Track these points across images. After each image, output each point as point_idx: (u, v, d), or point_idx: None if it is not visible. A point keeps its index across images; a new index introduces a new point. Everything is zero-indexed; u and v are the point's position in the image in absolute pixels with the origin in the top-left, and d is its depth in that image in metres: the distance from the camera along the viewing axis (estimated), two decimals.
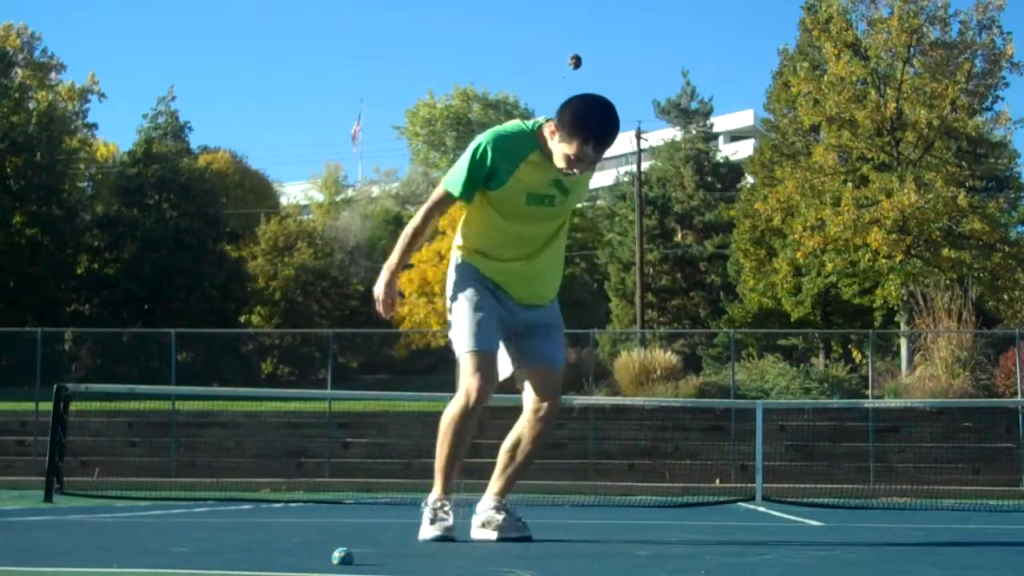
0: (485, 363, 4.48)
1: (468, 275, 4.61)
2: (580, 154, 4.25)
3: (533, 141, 4.40)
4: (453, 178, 4.51)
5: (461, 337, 4.53)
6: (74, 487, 12.54)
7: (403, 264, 4.70)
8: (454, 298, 4.62)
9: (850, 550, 4.53)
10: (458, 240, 4.70)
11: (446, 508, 4.55)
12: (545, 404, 4.64)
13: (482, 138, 4.45)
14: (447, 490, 4.60)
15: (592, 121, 4.24)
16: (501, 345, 4.63)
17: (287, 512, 8.70)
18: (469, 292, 4.57)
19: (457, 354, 4.56)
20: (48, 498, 10.62)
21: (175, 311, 33.59)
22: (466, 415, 4.52)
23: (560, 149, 4.30)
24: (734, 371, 21.60)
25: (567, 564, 3.75)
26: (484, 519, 4.67)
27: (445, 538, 4.48)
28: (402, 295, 33.89)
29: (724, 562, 3.85)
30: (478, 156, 4.40)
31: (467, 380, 4.48)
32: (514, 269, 4.58)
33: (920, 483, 16.39)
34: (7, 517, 7.39)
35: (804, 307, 27.88)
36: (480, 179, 4.44)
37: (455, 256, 4.71)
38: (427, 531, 4.53)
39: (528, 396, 4.68)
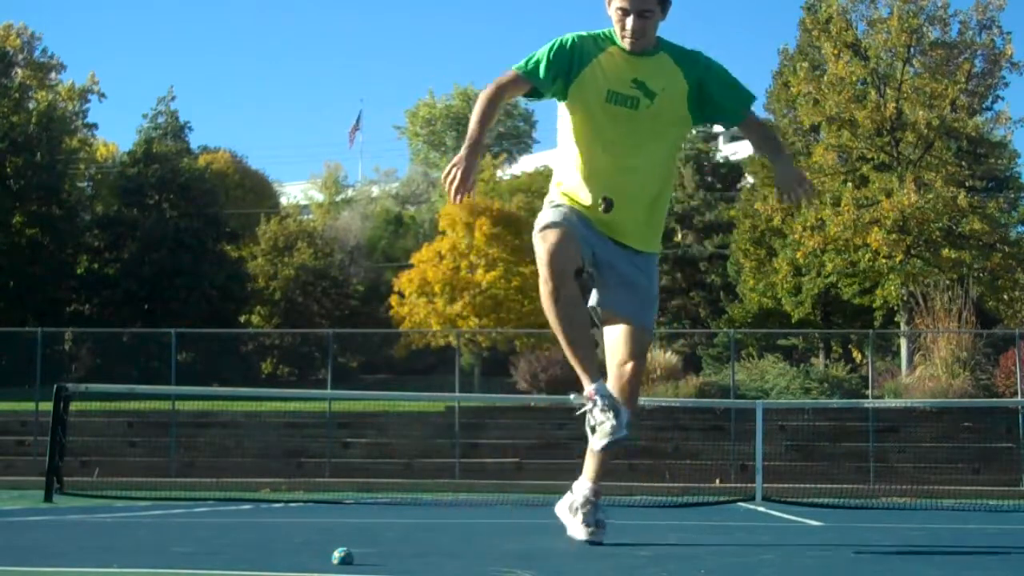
0: (559, 230, 4.20)
1: (558, 207, 4.38)
2: (623, 2, 4.21)
3: (611, 38, 4.35)
4: (525, 59, 4.35)
5: (538, 223, 4.29)
6: (74, 487, 12.54)
7: (483, 141, 4.26)
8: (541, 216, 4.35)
9: (850, 550, 4.53)
10: (553, 191, 4.47)
11: (605, 401, 4.17)
12: (628, 365, 4.41)
13: (565, 35, 4.38)
14: (594, 376, 4.22)
15: None
16: (593, 271, 4.42)
17: (287, 512, 8.70)
18: (556, 206, 4.36)
19: (535, 241, 4.27)
20: (48, 498, 10.62)
21: (175, 311, 33.56)
22: (554, 286, 4.18)
23: (612, 13, 4.27)
24: (734, 371, 21.58)
25: (567, 564, 3.75)
26: (570, 503, 4.46)
27: (617, 433, 4.14)
28: (402, 295, 33.91)
29: (724, 562, 3.85)
30: (558, 42, 4.34)
31: (539, 248, 4.21)
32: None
33: (920, 483, 16.38)
34: (7, 517, 7.39)
35: (804, 307, 27.85)
36: (558, 64, 4.29)
37: (549, 201, 4.47)
38: (600, 429, 4.17)
39: (610, 354, 4.44)
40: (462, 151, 4.20)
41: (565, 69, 4.31)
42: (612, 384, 4.39)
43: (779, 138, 4.48)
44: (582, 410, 4.24)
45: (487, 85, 4.38)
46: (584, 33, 4.39)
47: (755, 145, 4.55)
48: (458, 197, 4.15)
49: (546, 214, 4.35)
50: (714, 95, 4.43)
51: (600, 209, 4.34)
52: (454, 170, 4.14)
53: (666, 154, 4.46)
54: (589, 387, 4.23)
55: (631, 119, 4.29)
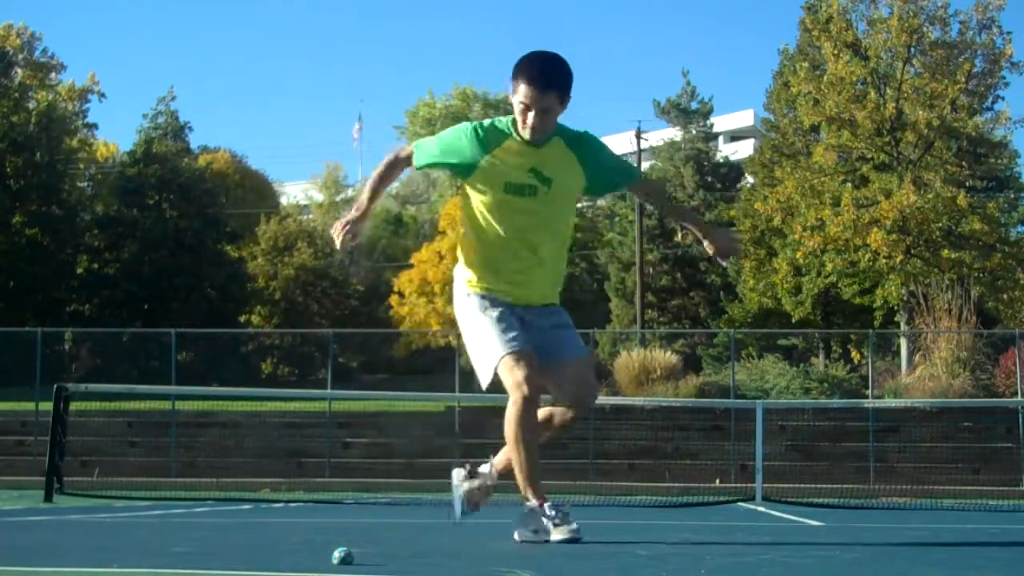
0: (524, 358, 4.42)
1: (479, 304, 4.60)
2: (525, 99, 4.39)
3: (510, 130, 4.54)
4: (423, 144, 4.73)
5: (491, 349, 4.48)
6: (74, 487, 12.52)
7: (371, 210, 4.75)
8: (470, 325, 4.60)
9: (850, 550, 4.53)
10: (462, 272, 4.70)
11: (560, 510, 4.43)
12: (580, 401, 4.64)
13: (464, 124, 4.63)
14: (541, 495, 4.46)
15: (528, 62, 4.45)
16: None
17: (287, 512, 8.70)
18: (484, 313, 4.56)
19: (491, 368, 4.46)
20: (48, 498, 10.61)
21: (175, 311, 33.57)
22: (524, 411, 4.39)
23: (515, 104, 4.46)
24: (734, 371, 21.58)
25: (567, 564, 3.75)
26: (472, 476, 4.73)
27: (575, 539, 4.36)
28: (402, 295, 33.99)
29: (724, 562, 3.85)
30: (455, 134, 4.61)
31: (512, 377, 4.40)
32: (521, 279, 4.60)
33: (920, 483, 16.38)
34: (7, 517, 7.39)
35: (804, 307, 27.85)
36: (453, 154, 4.58)
37: (462, 289, 4.68)
38: (557, 534, 4.38)
39: (561, 393, 4.63)
40: (352, 214, 4.63)
41: (462, 161, 4.57)
42: (559, 412, 4.67)
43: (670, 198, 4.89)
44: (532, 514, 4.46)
45: (386, 155, 4.71)
46: (485, 123, 4.61)
47: (660, 210, 4.91)
48: (344, 246, 4.73)
49: (489, 333, 4.53)
50: (603, 174, 4.72)
51: None
52: (342, 232, 4.67)
53: (564, 226, 4.74)
54: (535, 502, 4.45)
55: (529, 205, 4.55)
